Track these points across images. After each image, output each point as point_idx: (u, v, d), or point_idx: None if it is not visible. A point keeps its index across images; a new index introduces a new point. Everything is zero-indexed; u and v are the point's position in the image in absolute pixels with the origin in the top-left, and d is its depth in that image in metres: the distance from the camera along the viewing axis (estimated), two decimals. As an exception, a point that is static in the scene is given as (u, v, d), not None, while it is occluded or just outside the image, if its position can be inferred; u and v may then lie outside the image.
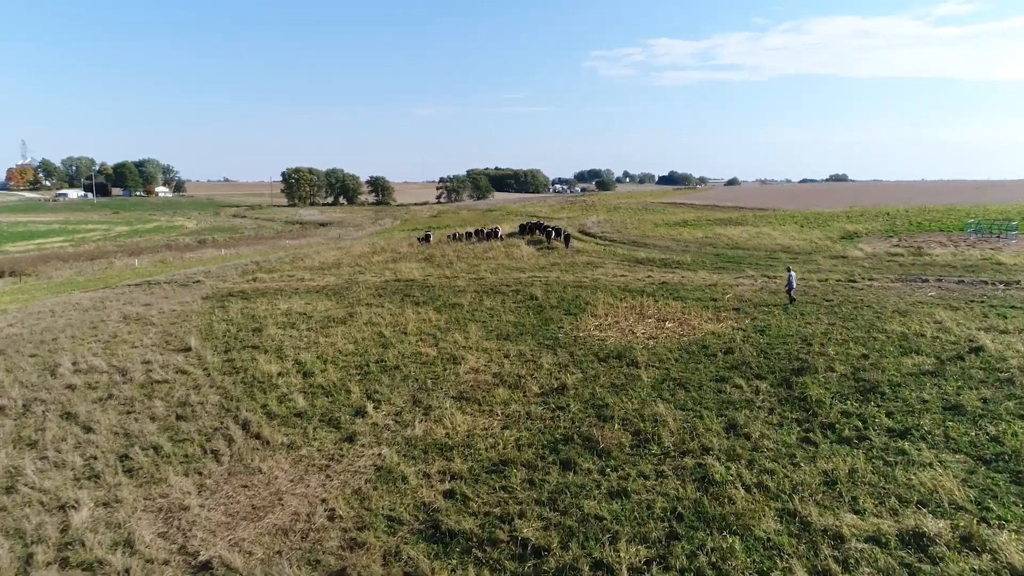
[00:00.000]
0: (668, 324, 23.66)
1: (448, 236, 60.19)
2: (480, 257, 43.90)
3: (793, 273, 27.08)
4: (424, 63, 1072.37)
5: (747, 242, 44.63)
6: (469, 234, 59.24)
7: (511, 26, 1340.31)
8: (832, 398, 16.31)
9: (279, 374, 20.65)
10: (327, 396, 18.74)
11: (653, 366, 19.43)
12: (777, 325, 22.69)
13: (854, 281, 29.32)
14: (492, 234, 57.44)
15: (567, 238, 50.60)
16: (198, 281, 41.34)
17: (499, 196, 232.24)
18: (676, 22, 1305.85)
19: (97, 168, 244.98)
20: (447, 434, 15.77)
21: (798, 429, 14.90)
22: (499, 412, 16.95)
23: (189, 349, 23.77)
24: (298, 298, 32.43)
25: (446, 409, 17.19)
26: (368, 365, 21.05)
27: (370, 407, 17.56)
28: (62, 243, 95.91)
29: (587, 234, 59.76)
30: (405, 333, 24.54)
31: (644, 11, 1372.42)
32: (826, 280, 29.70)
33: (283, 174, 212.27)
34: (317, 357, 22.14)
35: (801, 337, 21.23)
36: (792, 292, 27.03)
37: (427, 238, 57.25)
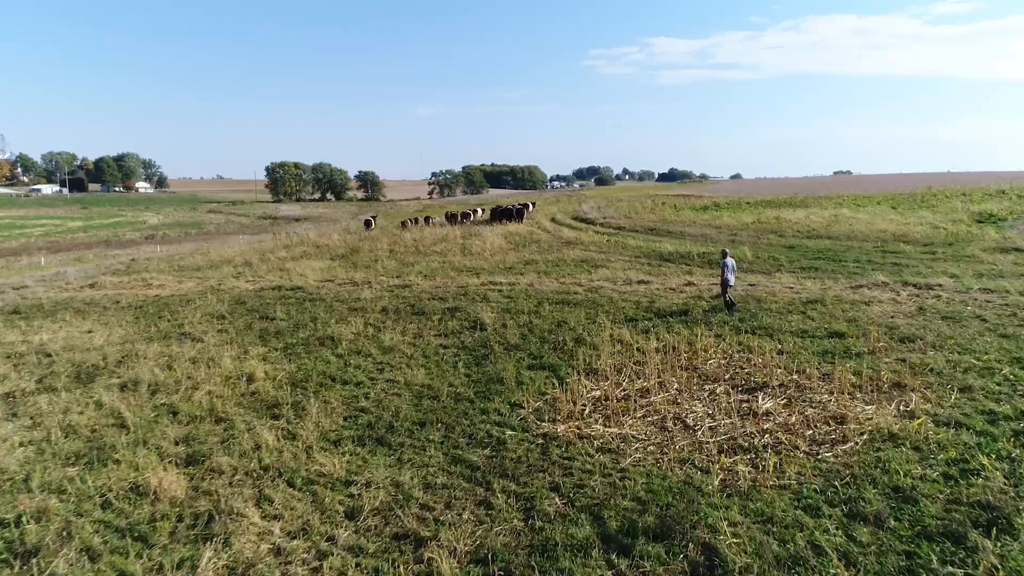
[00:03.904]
0: (766, 403, 10.07)
1: (402, 222, 46.84)
2: (424, 251, 29.91)
3: (730, 260, 15.41)
4: (425, 62, 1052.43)
5: (828, 228, 30.08)
6: (428, 218, 45.86)
7: (511, 25, 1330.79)
8: None
9: None
10: None
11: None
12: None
13: (1099, 296, 15.47)
14: (458, 217, 44.25)
15: (518, 212, 40.57)
16: (24, 286, 29.09)
17: (494, 192, 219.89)
18: (674, 21, 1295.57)
19: (78, 163, 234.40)
20: None
21: None
22: None
23: None
24: (94, 319, 19.12)
25: None
26: (-27, 538, 7.70)
27: None
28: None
29: (583, 220, 44.20)
30: (174, 414, 11.12)
31: (642, 10, 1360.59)
32: (1040, 293, 15.85)
33: (267, 169, 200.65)
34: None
35: None
36: (730, 293, 15.65)
37: (368, 224, 43.98)
